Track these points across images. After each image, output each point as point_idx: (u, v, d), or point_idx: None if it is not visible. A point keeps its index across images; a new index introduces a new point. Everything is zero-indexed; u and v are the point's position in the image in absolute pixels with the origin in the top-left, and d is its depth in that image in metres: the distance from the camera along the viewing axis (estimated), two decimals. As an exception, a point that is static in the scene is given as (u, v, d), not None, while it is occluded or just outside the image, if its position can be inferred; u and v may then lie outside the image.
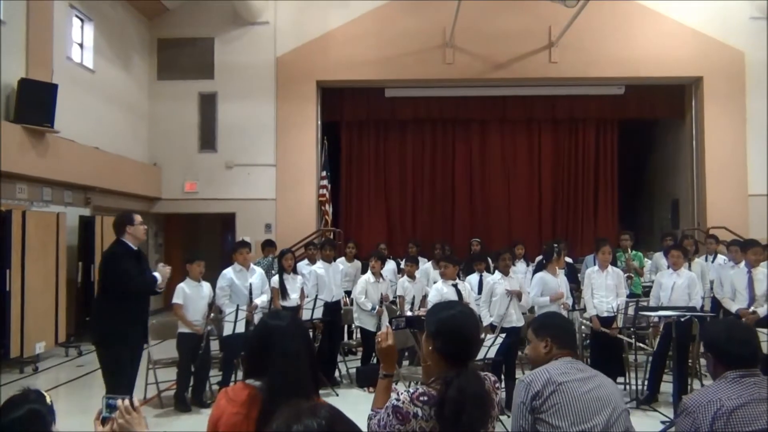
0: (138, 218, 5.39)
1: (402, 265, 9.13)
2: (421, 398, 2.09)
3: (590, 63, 12.72)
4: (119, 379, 5.05)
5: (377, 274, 7.93)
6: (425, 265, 9.65)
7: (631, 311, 6.68)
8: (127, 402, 2.00)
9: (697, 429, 2.42)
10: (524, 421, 2.50)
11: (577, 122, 14.50)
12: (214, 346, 7.16)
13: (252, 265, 7.32)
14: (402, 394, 2.12)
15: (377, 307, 7.66)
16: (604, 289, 7.05)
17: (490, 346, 5.96)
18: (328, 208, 13.23)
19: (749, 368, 2.52)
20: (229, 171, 13.06)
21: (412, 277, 8.23)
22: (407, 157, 14.54)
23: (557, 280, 7.01)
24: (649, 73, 12.77)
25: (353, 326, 8.69)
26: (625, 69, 12.73)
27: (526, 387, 2.55)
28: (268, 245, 9.24)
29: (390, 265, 10.28)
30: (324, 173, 13.28)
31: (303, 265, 8.69)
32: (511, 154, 14.54)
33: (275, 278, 7.70)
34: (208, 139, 13.20)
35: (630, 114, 14.06)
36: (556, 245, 7.64)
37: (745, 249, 7.01)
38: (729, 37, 12.72)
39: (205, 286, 6.90)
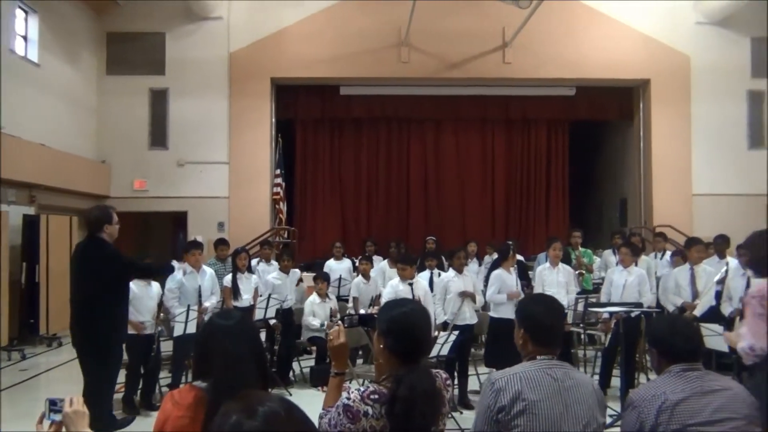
0: (115, 216, 5.15)
1: (357, 263, 9.15)
2: (372, 397, 2.08)
3: (542, 64, 12.92)
4: (110, 388, 5.02)
5: (323, 296, 7.93)
6: (381, 264, 9.64)
7: (580, 307, 6.82)
8: (76, 397, 1.98)
9: (642, 422, 2.47)
10: (488, 426, 2.39)
11: (530, 122, 14.72)
12: (166, 347, 7.02)
13: (203, 267, 7.19)
14: (353, 392, 2.11)
15: (326, 322, 7.69)
16: (556, 286, 7.16)
17: (443, 344, 6.02)
18: (283, 206, 13.12)
19: (692, 362, 2.59)
20: (181, 168, 12.82)
21: (366, 277, 8.23)
22: (362, 155, 14.53)
23: (512, 277, 7.09)
24: (599, 75, 13.04)
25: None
26: (576, 71, 12.98)
27: (494, 394, 2.38)
28: (220, 244, 9.07)
29: (345, 263, 10.27)
30: (278, 171, 13.16)
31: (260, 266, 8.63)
32: (465, 153, 14.67)
33: (228, 277, 7.60)
34: (158, 136, 12.93)
35: (580, 115, 14.35)
36: (510, 243, 7.73)
37: (689, 247, 7.23)
38: (675, 41, 13.09)
39: (155, 285, 6.75)
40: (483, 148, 14.74)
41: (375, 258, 10.16)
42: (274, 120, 13.29)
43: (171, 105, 12.90)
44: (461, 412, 6.13)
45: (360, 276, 8.34)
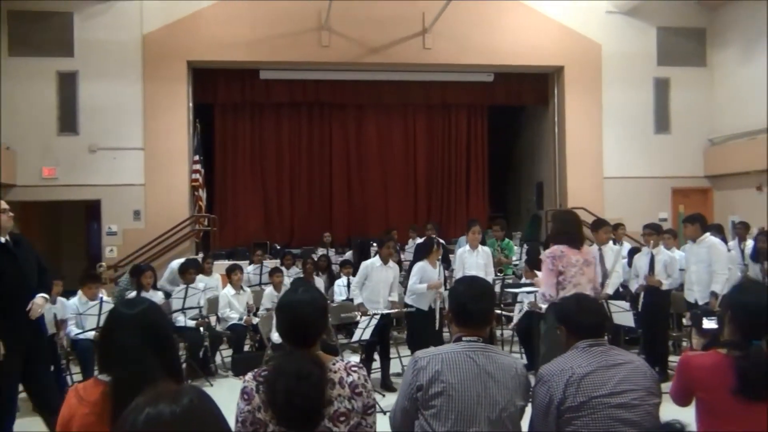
0: None
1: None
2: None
3: (461, 50, 13.08)
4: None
5: (237, 286, 7.86)
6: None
7: (497, 288, 7.02)
8: None
9: (551, 396, 2.58)
10: (409, 403, 2.47)
11: (450, 108, 14.93)
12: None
13: (102, 297, 6.90)
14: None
15: (245, 317, 7.64)
16: (475, 268, 7.34)
17: (365, 328, 6.10)
18: (202, 193, 12.77)
19: (597, 338, 2.73)
20: (93, 155, 12.26)
21: (278, 288, 8.15)
22: (283, 140, 14.36)
23: (436, 270, 7.18)
24: (516, 62, 13.31)
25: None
26: (494, 57, 13.21)
27: (415, 372, 2.46)
28: (137, 273, 8.55)
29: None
30: (197, 157, 12.78)
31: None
32: (387, 139, 14.75)
33: (132, 296, 7.41)
34: (68, 121, 12.30)
35: (498, 100, 14.64)
36: (433, 237, 7.83)
37: (596, 228, 7.51)
38: (588, 29, 13.52)
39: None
40: (405, 133, 14.86)
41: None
42: (191, 104, 12.90)
43: (81, 88, 12.28)
44: (383, 395, 6.22)
45: (272, 287, 8.24)
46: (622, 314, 6.50)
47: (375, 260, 7.10)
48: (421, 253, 7.19)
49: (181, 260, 9.10)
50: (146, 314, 2.10)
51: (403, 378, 2.55)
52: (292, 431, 2.14)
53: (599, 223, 7.57)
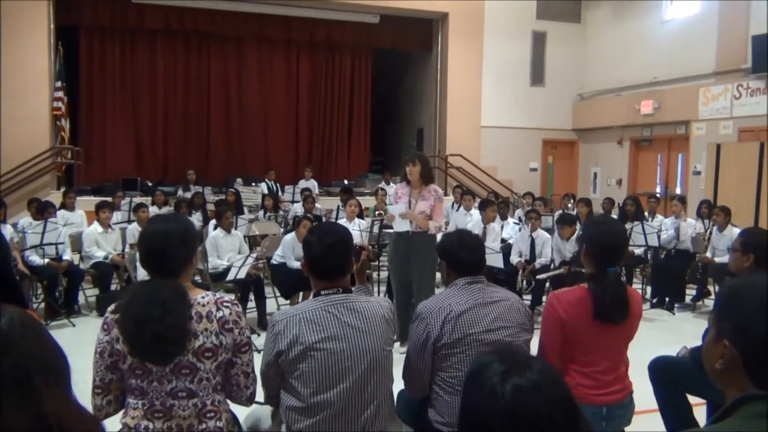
0: None
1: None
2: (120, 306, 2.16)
3: (347, -13, 12.80)
4: None
5: (105, 224, 7.43)
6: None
7: (376, 229, 7.11)
8: None
9: (428, 333, 2.63)
10: (272, 369, 2.39)
11: (335, 47, 14.63)
12: None
13: None
14: (111, 306, 2.19)
15: (112, 254, 7.28)
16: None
17: (240, 267, 6.03)
18: (65, 123, 11.81)
19: (476, 275, 2.78)
20: (-67, 76, 10.95)
21: (142, 224, 7.74)
22: (158, 71, 13.48)
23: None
24: (401, 5, 13.23)
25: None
26: (380, -2, 13.06)
27: (273, 337, 2.35)
28: None
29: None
30: (59, 83, 11.75)
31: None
32: (268, 76, 14.27)
33: None
34: None
35: (384, 43, 14.53)
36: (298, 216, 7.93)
37: (483, 208, 7.87)
38: (472, -23, 13.64)
39: None
40: (287, 71, 14.44)
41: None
42: (53, 26, 11.76)
43: None
44: (258, 334, 6.19)
45: (136, 223, 7.64)
46: (493, 256, 6.82)
47: (218, 232, 6.95)
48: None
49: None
50: None
51: (265, 341, 2.44)
52: (148, 362, 2.06)
53: (486, 204, 8.04)
